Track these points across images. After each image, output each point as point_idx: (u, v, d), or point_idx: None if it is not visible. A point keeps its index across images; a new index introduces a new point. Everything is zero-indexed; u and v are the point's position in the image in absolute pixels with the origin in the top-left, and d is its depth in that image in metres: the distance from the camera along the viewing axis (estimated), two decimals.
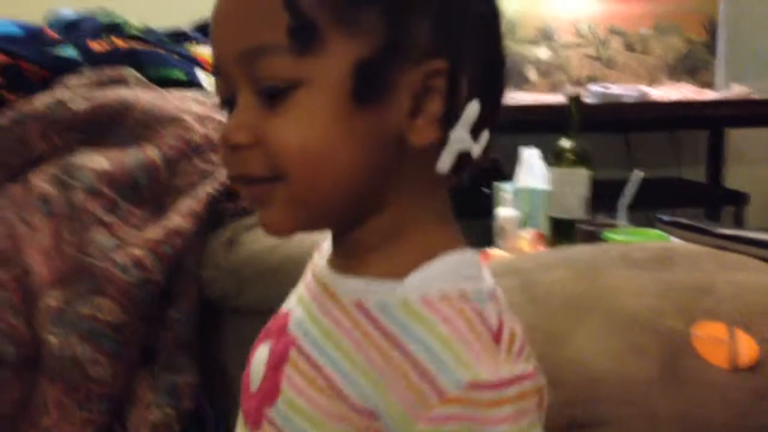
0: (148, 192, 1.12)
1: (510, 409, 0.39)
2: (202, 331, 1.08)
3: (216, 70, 0.45)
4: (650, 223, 1.38)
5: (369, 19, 0.41)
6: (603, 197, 1.35)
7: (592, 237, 1.16)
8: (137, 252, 1.03)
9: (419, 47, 0.42)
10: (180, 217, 1.07)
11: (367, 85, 0.41)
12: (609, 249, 0.90)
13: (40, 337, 1.02)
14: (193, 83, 1.46)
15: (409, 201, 0.45)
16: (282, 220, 0.44)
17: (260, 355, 0.49)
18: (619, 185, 1.30)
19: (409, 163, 0.44)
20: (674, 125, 2.24)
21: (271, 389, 0.46)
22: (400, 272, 0.44)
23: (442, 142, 0.44)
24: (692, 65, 2.27)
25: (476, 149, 0.45)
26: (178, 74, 1.46)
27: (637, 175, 1.12)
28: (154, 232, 1.06)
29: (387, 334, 0.42)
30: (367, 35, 0.41)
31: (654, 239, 1.10)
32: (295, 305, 0.49)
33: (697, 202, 2.24)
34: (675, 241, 1.04)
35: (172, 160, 1.14)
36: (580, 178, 1.35)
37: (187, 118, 1.19)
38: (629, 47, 2.24)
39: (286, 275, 1.05)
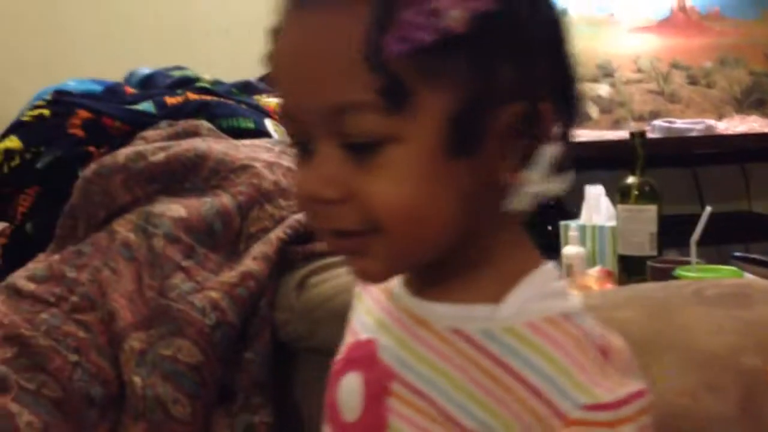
0: (222, 238, 1.17)
1: (631, 429, 0.40)
2: (276, 372, 1.11)
3: (287, 115, 0.44)
4: (722, 259, 1.35)
5: (456, 70, 0.40)
6: (672, 233, 1.33)
7: (664, 274, 1.14)
8: (214, 295, 1.07)
9: (505, 89, 0.42)
10: (253, 261, 1.11)
11: (460, 138, 0.41)
12: (681, 286, 0.89)
13: (124, 378, 1.06)
14: (261, 132, 1.52)
15: (493, 229, 0.45)
16: (378, 270, 0.44)
17: (350, 384, 0.48)
18: (689, 220, 1.28)
19: (496, 197, 0.44)
20: (743, 158, 2.19)
21: (376, 423, 0.46)
22: (491, 297, 0.44)
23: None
24: (759, 97, 2.23)
25: (555, 188, 0.45)
26: (248, 124, 1.53)
27: (707, 211, 1.11)
28: (229, 275, 1.10)
29: (496, 360, 0.43)
30: (456, 86, 0.41)
31: (728, 276, 1.08)
32: (377, 332, 0.48)
33: None
34: (749, 277, 1.02)
35: (245, 207, 1.19)
36: (647, 215, 1.34)
37: (258, 165, 1.24)
38: (692, 81, 2.22)
39: None
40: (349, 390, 0.48)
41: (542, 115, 0.43)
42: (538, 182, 0.44)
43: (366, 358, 0.48)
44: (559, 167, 0.46)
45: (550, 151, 0.44)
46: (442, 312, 0.45)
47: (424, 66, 0.40)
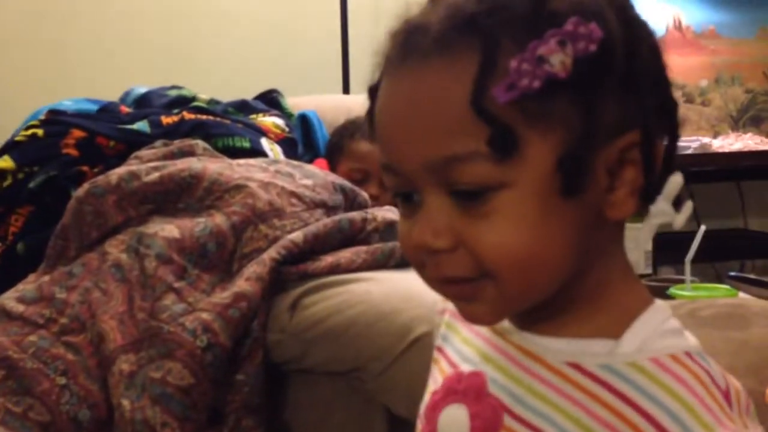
0: (216, 258, 1.16)
1: None
2: (267, 393, 1.10)
3: (389, 168, 0.44)
4: (717, 276, 1.34)
5: (562, 112, 0.41)
6: (667, 251, 1.32)
7: (659, 293, 1.13)
8: (205, 316, 1.06)
9: (611, 124, 0.42)
10: (246, 282, 1.10)
11: (572, 179, 0.42)
12: (676, 307, 0.88)
13: (113, 401, 1.05)
14: (257, 151, 1.52)
15: (604, 264, 0.45)
16: (488, 313, 0.45)
17: (454, 416, 0.47)
18: (684, 238, 1.27)
19: (605, 231, 0.45)
20: (738, 175, 2.19)
21: None
22: (608, 333, 0.44)
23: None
24: (756, 115, 2.23)
25: (679, 220, 0.45)
26: (243, 143, 1.52)
27: (701, 230, 1.11)
28: (221, 296, 1.09)
29: (618, 394, 0.42)
30: (562, 127, 0.41)
31: (722, 295, 1.07)
32: (482, 364, 0.48)
33: (765, 253, 2.17)
34: (744, 296, 1.01)
35: (239, 227, 1.18)
36: (642, 233, 1.33)
37: (252, 185, 1.23)
38: (688, 99, 2.22)
39: (348, 337, 1.07)
40: (453, 423, 0.47)
41: (652, 144, 0.43)
42: (659, 216, 0.44)
43: (473, 390, 0.47)
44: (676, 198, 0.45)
45: (674, 184, 0.44)
46: (558, 347, 0.45)
47: (530, 111, 0.41)
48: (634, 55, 0.43)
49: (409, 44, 0.43)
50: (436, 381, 0.50)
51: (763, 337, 0.76)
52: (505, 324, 0.47)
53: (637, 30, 0.44)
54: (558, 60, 0.40)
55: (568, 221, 0.42)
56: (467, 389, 0.47)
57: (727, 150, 2.05)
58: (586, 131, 0.41)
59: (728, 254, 1.99)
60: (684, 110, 2.21)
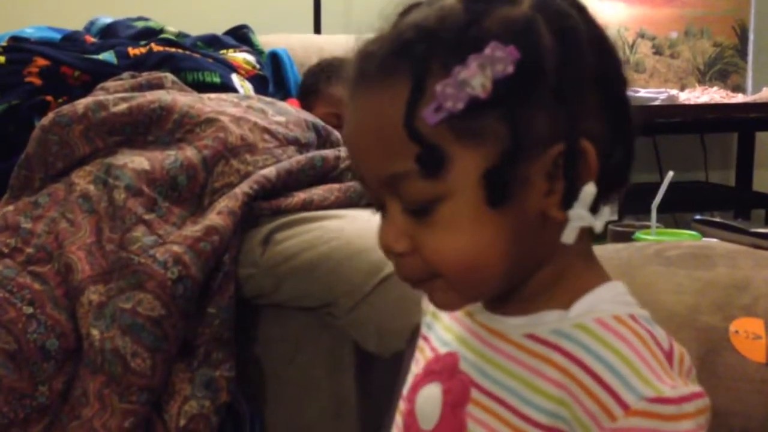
0: (186, 191, 1.15)
1: (690, 424, 0.43)
2: (238, 327, 1.10)
3: (360, 181, 0.50)
4: (678, 226, 1.37)
5: (489, 128, 0.44)
6: (631, 199, 1.35)
7: (624, 237, 1.16)
8: (176, 248, 1.05)
9: (544, 134, 0.45)
10: (217, 215, 1.09)
11: (496, 191, 0.45)
12: (643, 247, 0.90)
13: (81, 331, 1.05)
14: (227, 86, 1.49)
15: (563, 254, 0.48)
16: (448, 302, 0.49)
17: (429, 394, 0.51)
18: (647, 188, 1.30)
19: (552, 229, 0.47)
20: (703, 128, 2.22)
21: (455, 428, 0.49)
22: (561, 305, 0.48)
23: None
24: (723, 69, 2.26)
25: (598, 224, 0.47)
26: (213, 78, 1.49)
27: (669, 175, 1.13)
28: (193, 229, 1.08)
29: (566, 354, 0.46)
30: (491, 142, 0.44)
31: (687, 240, 1.10)
32: (457, 346, 0.51)
33: (726, 205, 2.23)
34: (709, 241, 1.04)
35: (210, 161, 1.17)
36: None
37: (224, 119, 1.21)
38: (658, 51, 2.24)
39: (320, 272, 1.07)
40: (428, 400, 0.51)
41: (583, 152, 0.45)
42: (577, 220, 0.46)
43: (447, 369, 0.51)
44: (607, 198, 0.48)
45: (588, 194, 0.46)
46: (516, 323, 0.49)
47: (459, 130, 0.44)
48: (565, 65, 0.45)
49: (360, 70, 0.47)
50: (419, 366, 0.54)
51: (728, 276, 0.78)
52: (478, 307, 0.51)
53: (572, 39, 0.46)
54: (479, 83, 0.43)
55: (504, 227, 0.45)
56: (443, 368, 0.51)
57: (693, 102, 2.07)
58: (512, 145, 0.44)
59: (689, 206, 2.03)
60: (653, 62, 2.23)
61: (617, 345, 0.45)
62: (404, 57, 0.44)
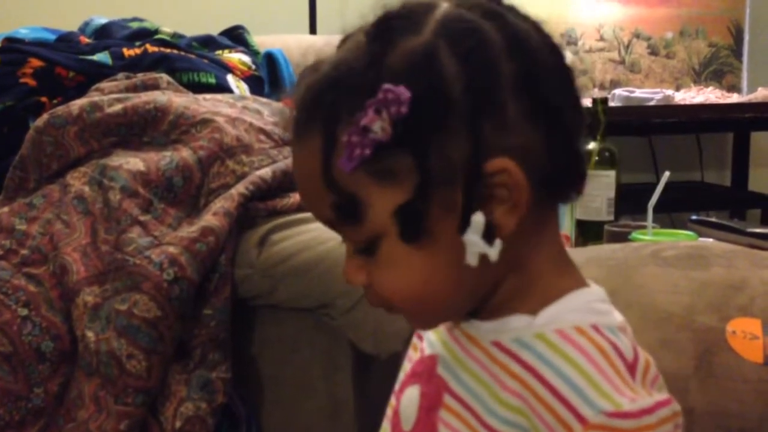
0: (182, 192, 1.14)
1: None
2: (234, 328, 1.10)
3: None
4: (674, 226, 1.37)
5: (402, 165, 0.44)
6: (627, 200, 1.35)
7: (621, 238, 1.16)
8: (172, 250, 1.05)
9: (461, 162, 0.44)
10: (213, 216, 1.09)
11: (411, 225, 0.45)
12: (640, 248, 0.90)
13: (77, 333, 1.04)
14: (223, 87, 1.48)
15: (532, 263, 0.48)
16: (417, 325, 0.52)
17: (410, 396, 0.52)
18: (643, 188, 1.30)
19: (520, 241, 0.46)
20: (698, 129, 2.23)
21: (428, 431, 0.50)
22: (529, 311, 0.47)
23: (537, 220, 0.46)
24: (718, 69, 2.26)
25: (492, 252, 0.45)
26: (209, 79, 1.49)
27: (666, 176, 1.13)
28: (189, 230, 1.08)
29: (525, 365, 0.46)
30: (406, 178, 0.44)
31: (683, 240, 1.10)
32: (440, 349, 0.52)
33: (721, 205, 2.23)
34: (705, 241, 1.04)
35: (206, 162, 1.16)
36: (606, 180, 1.35)
37: (219, 120, 1.21)
38: (653, 51, 2.24)
39: (317, 273, 1.07)
40: (408, 401, 0.52)
41: (500, 170, 0.44)
42: (472, 245, 0.45)
43: (426, 372, 0.52)
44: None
45: (477, 222, 0.45)
46: (487, 327, 0.49)
47: (373, 172, 0.44)
48: (476, 86, 0.44)
49: (292, 116, 0.48)
50: (411, 363, 0.55)
51: (724, 277, 0.78)
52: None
53: (479, 57, 0.44)
54: (378, 127, 0.43)
55: (437, 257, 0.45)
56: (423, 371, 0.52)
57: (688, 103, 2.08)
58: (422, 179, 0.44)
59: (685, 206, 2.04)
60: (649, 62, 2.24)
61: (576, 357, 0.44)
62: (316, 108, 0.45)
